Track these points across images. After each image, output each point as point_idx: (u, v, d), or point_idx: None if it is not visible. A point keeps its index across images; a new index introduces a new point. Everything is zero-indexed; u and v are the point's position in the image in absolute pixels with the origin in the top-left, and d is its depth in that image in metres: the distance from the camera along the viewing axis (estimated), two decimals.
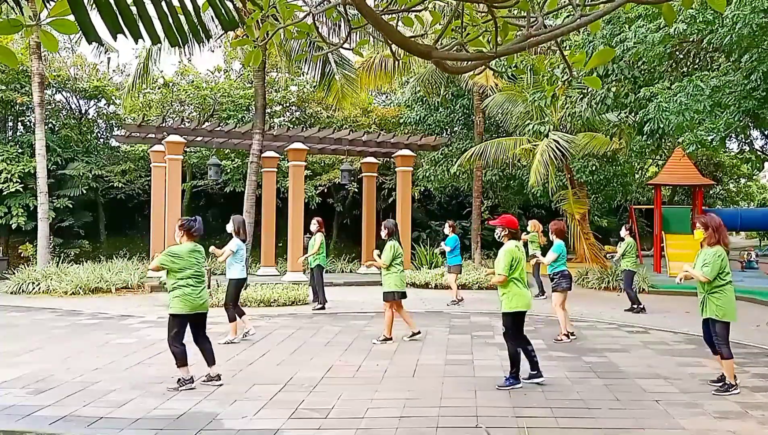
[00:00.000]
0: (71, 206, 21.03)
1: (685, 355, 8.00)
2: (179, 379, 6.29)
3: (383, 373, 6.84)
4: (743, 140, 19.21)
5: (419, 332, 8.88)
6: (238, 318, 8.75)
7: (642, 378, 6.69)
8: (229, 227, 8.89)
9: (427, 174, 23.81)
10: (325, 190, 24.21)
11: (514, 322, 6.41)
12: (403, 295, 8.74)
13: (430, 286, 15.50)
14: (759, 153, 18.80)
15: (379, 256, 8.79)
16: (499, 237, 6.62)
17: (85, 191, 21.42)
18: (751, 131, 18.18)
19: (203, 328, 6.54)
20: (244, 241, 8.93)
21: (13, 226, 19.35)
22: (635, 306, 11.66)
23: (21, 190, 19.28)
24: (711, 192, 32.96)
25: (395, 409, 5.51)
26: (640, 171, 27.85)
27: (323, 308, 11.73)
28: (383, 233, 8.87)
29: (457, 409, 5.54)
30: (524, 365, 6.43)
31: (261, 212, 18.06)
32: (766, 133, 20.92)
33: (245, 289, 11.12)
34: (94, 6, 1.87)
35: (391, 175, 23.65)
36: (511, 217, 6.73)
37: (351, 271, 19.45)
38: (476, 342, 8.70)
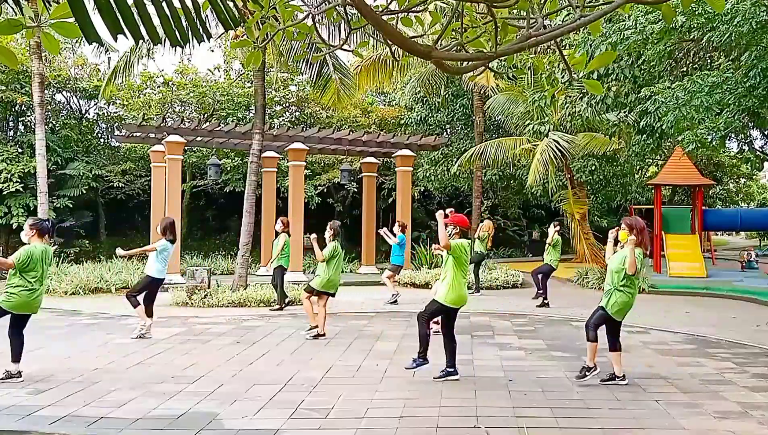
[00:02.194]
0: (71, 206, 21.03)
1: (685, 355, 8.00)
2: (6, 371, 6.39)
3: (383, 373, 6.84)
4: (743, 140, 19.20)
5: (324, 335, 8.86)
6: (141, 305, 8.70)
7: (642, 378, 6.70)
8: (158, 227, 8.91)
9: (427, 174, 23.81)
10: (325, 190, 24.21)
11: (435, 312, 6.69)
12: (333, 295, 8.97)
13: (430, 286, 15.48)
14: (759, 153, 18.79)
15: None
16: (450, 235, 6.77)
17: (85, 191, 21.41)
18: (751, 131, 18.18)
19: (24, 326, 6.63)
20: (171, 241, 8.87)
21: (14, 226, 19.35)
22: (545, 299, 12.25)
23: (21, 190, 19.27)
24: (711, 192, 32.96)
25: (395, 409, 5.51)
26: (640, 171, 27.84)
27: (281, 309, 11.59)
28: (328, 234, 9.05)
29: (457, 409, 5.54)
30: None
31: (261, 212, 18.06)
32: (766, 132, 20.91)
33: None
34: (94, 6, 1.87)
35: (391, 175, 23.65)
36: (463, 217, 7.10)
37: (351, 271, 19.43)
38: (476, 342, 8.70)
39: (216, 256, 20.56)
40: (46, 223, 6.63)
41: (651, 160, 25.16)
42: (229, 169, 22.60)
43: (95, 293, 14.00)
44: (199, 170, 24.51)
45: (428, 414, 5.38)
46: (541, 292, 12.38)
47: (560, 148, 16.52)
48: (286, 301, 11.87)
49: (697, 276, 17.39)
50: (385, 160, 20.88)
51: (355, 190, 23.45)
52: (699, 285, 15.62)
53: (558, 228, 12.66)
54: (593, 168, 19.23)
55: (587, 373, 6.42)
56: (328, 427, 5.07)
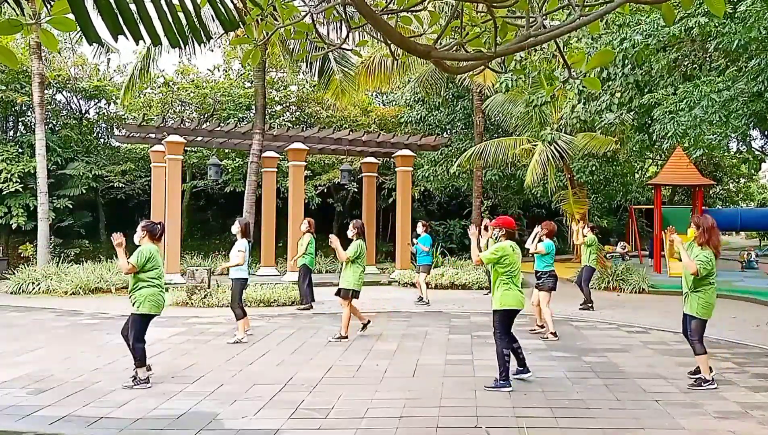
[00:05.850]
0: (71, 206, 21.03)
1: (685, 355, 7.98)
2: (135, 377, 6.30)
3: (383, 373, 6.84)
4: (742, 140, 19.19)
5: (369, 322, 9.30)
6: (245, 318, 8.80)
7: (642, 378, 6.69)
8: (235, 229, 8.92)
9: (427, 174, 23.80)
10: (325, 190, 24.21)
11: (502, 323, 6.38)
12: (357, 294, 8.93)
13: (429, 287, 15.47)
14: (757, 153, 18.78)
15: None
16: (496, 238, 6.70)
17: (85, 191, 21.41)
18: (751, 131, 18.15)
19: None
20: (249, 242, 8.97)
21: (13, 226, 19.35)
22: (589, 304, 11.86)
23: (21, 190, 19.27)
24: (711, 192, 32.96)
25: (395, 409, 5.51)
26: (640, 171, 27.83)
27: (310, 308, 11.66)
28: (351, 233, 9.08)
29: (457, 409, 5.54)
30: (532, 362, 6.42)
31: (261, 212, 18.06)
32: (766, 133, 20.91)
33: (245, 289, 11.16)
34: (94, 6, 1.87)
35: (391, 175, 23.64)
36: (507, 218, 6.90)
37: None
38: (476, 342, 8.70)
39: (216, 256, 20.57)
40: (158, 225, 6.68)
41: (651, 159, 25.16)
42: (230, 170, 22.59)
43: (95, 293, 14.00)
44: (199, 170, 24.50)
45: (428, 414, 5.37)
46: (589, 303, 11.93)
47: (559, 148, 16.51)
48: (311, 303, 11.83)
49: None
50: (385, 160, 20.88)
51: (355, 190, 23.44)
52: None
53: (585, 227, 12.42)
54: (593, 168, 19.22)
55: (703, 384, 6.27)
56: (328, 427, 5.07)
